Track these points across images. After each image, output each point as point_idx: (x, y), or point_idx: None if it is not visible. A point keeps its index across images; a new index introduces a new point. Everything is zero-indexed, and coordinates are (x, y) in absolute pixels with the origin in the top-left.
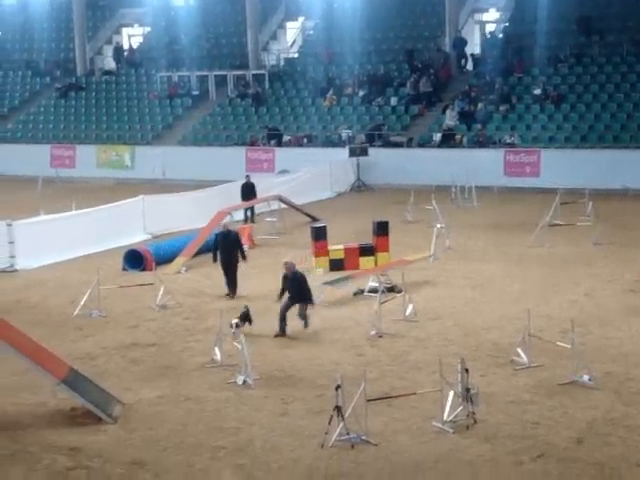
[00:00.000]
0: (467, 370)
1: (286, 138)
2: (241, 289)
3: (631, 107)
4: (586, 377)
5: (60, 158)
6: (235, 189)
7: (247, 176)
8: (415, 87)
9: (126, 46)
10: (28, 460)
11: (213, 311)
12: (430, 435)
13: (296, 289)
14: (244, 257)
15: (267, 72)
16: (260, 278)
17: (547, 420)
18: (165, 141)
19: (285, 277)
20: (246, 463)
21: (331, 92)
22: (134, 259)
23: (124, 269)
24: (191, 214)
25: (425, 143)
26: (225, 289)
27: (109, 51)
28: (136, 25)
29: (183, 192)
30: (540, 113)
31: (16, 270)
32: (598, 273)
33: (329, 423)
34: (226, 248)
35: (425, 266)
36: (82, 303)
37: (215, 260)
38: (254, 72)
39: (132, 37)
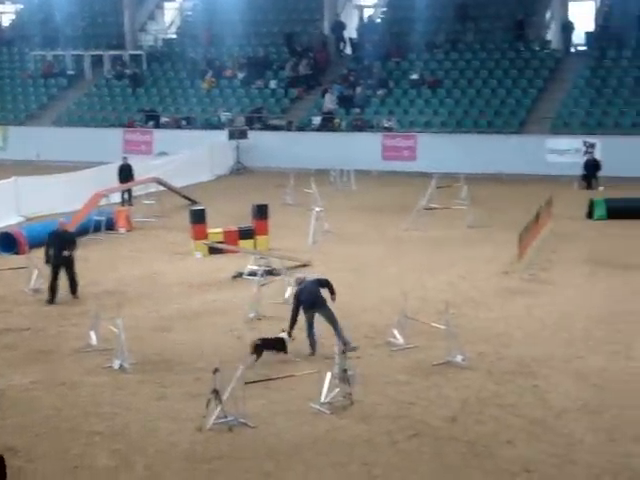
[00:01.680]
0: (344, 352)
1: (164, 120)
2: (109, 275)
3: (504, 93)
4: (459, 357)
5: None
6: (112, 171)
7: (124, 158)
8: (294, 70)
9: None
10: None
11: (89, 295)
12: (308, 417)
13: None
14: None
15: (145, 53)
16: (138, 261)
17: (422, 400)
18: (39, 122)
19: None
20: (122, 448)
21: (210, 74)
22: (7, 242)
23: None
24: (67, 196)
25: (304, 126)
26: (47, 294)
27: None
28: (7, 2)
29: (58, 174)
30: (417, 98)
31: None
32: (473, 256)
33: (207, 406)
34: (62, 249)
35: (304, 249)
36: None
37: (48, 261)
38: (131, 52)
39: (3, 14)
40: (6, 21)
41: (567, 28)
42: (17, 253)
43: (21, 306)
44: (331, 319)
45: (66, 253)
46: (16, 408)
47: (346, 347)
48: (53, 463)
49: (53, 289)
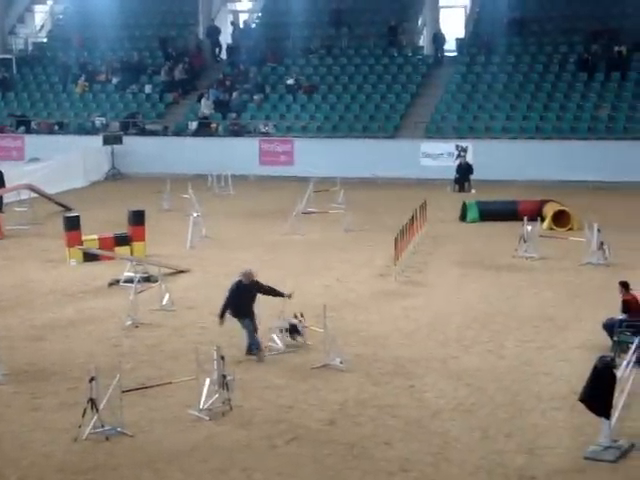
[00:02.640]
0: (223, 357)
1: (35, 125)
2: None
3: (379, 98)
4: (338, 360)
5: None
6: None
7: None
8: (170, 75)
9: None
10: None
11: None
12: (187, 423)
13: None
14: None
15: (14, 57)
16: (11, 269)
17: (300, 403)
18: None
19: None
20: None
21: (83, 78)
22: None
23: None
24: None
25: (181, 131)
26: None
27: None
28: None
29: None
30: (293, 103)
31: None
32: (350, 258)
33: (83, 416)
34: None
35: (182, 254)
36: None
37: None
38: (1, 57)
39: None
40: None
41: (438, 37)
42: None
43: None
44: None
45: None
46: None
47: (257, 353)
48: None
49: None
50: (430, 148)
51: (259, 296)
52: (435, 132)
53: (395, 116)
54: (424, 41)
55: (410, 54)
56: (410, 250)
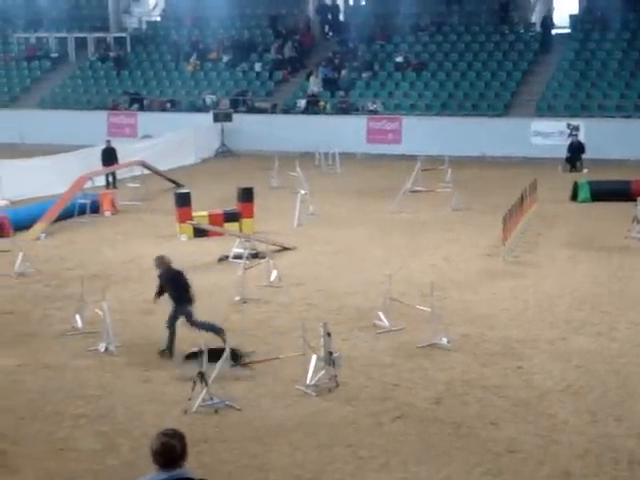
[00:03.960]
0: (330, 334)
1: (147, 102)
2: (94, 258)
3: (489, 76)
4: (444, 339)
5: None
6: (96, 154)
7: (108, 141)
8: (279, 53)
9: None
10: None
11: (74, 278)
12: (293, 399)
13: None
14: None
15: (129, 35)
16: (123, 244)
17: (406, 382)
18: (23, 104)
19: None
20: (107, 430)
21: (194, 57)
22: None
23: None
24: (51, 179)
25: (289, 109)
26: None
27: None
28: None
29: (42, 157)
30: (402, 81)
31: None
32: (457, 238)
33: (192, 389)
34: None
35: (289, 232)
36: None
37: None
38: (115, 35)
39: None
40: None
41: (548, 18)
42: (1, 236)
43: (5, 289)
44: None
45: None
46: (0, 391)
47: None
48: (38, 446)
49: None
50: (541, 126)
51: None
52: (546, 110)
53: (505, 94)
54: (536, 18)
55: (522, 31)
56: (519, 230)
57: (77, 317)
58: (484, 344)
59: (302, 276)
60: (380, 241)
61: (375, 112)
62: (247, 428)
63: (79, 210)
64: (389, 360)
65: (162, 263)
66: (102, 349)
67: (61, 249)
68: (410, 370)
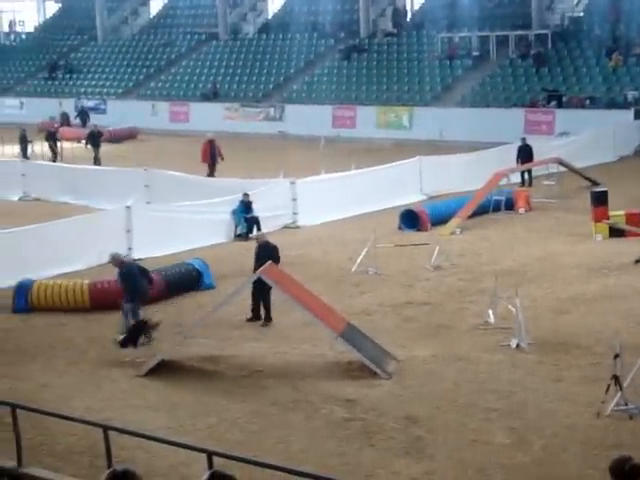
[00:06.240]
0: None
1: (565, 99)
2: (507, 254)
3: None
4: None
5: (341, 119)
6: (512, 151)
7: (523, 138)
8: None
9: (408, 7)
10: (307, 409)
11: (488, 273)
12: None
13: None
14: None
15: (550, 32)
16: (535, 241)
17: None
18: (443, 102)
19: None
20: (518, 426)
21: (617, 52)
22: (410, 219)
23: (400, 228)
24: (466, 176)
25: None
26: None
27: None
28: None
29: (459, 153)
30: None
31: (298, 226)
32: None
33: (606, 392)
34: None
35: None
36: (359, 260)
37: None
38: (537, 32)
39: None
40: (416, 5)
41: None
42: (420, 230)
43: (422, 281)
44: None
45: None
46: (417, 379)
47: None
48: (451, 435)
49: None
50: None
51: None
52: None
53: None
54: None
55: None
56: None
57: (490, 312)
58: None
59: None
60: None
61: None
62: None
63: (494, 206)
64: None
65: (118, 261)
66: (514, 345)
67: (475, 244)
68: None
